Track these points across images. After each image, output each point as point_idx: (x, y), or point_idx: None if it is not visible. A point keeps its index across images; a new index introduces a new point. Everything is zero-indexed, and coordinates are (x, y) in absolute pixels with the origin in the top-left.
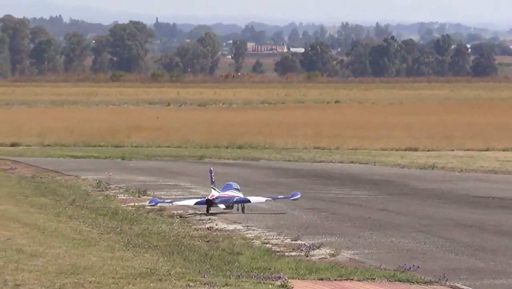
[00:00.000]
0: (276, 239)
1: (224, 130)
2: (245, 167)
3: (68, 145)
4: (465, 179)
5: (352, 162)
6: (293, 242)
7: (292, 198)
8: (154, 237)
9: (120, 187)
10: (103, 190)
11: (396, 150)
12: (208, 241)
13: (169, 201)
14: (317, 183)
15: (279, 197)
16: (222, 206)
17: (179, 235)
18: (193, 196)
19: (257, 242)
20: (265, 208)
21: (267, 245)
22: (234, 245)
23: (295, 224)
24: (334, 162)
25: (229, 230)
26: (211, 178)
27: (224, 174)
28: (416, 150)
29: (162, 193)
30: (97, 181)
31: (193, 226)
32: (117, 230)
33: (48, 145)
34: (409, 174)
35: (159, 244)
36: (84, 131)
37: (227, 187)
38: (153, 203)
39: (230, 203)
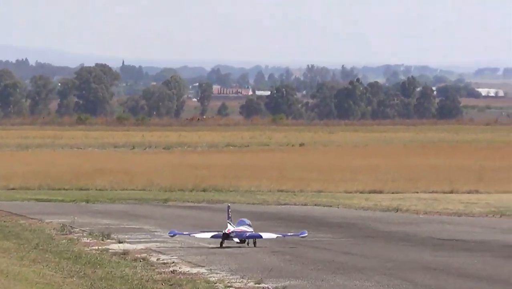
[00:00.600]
0: (240, 282)
1: (189, 173)
2: (210, 210)
3: (33, 188)
4: (429, 221)
5: (316, 205)
6: (257, 285)
7: (300, 236)
8: (118, 281)
9: (84, 230)
10: (67, 234)
11: (361, 192)
12: (171, 285)
13: (187, 233)
14: (281, 225)
15: (289, 234)
16: (236, 239)
17: (142, 279)
18: (208, 230)
19: (220, 286)
20: (229, 252)
21: (231, 288)
22: (198, 288)
23: (259, 267)
24: (298, 205)
25: (192, 273)
26: (228, 213)
27: (189, 217)
28: (380, 192)
29: (126, 236)
30: (61, 225)
31: (156, 270)
32: (81, 273)
33: (13, 188)
34: (373, 216)
35: (122, 287)
36: (49, 174)
37: (241, 223)
38: (172, 234)
39: (243, 238)
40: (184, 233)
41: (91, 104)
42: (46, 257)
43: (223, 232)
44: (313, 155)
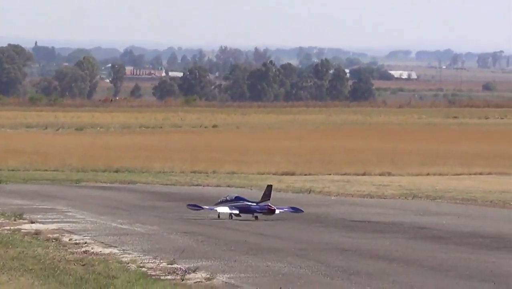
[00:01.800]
0: (152, 262)
1: (101, 154)
2: (122, 190)
3: None
4: (342, 203)
5: (229, 186)
6: (169, 265)
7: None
8: (30, 261)
9: None
10: None
11: (274, 174)
12: (83, 265)
13: (208, 207)
14: None
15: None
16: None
17: (54, 259)
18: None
19: (133, 266)
20: (141, 232)
21: (143, 268)
22: (110, 268)
23: (171, 248)
24: (211, 186)
25: (105, 254)
26: (271, 192)
27: (101, 197)
28: (293, 174)
29: (38, 216)
30: None
31: (68, 250)
32: None
33: None
34: (286, 198)
35: (35, 267)
36: None
37: (242, 198)
38: (195, 208)
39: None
40: (205, 207)
41: (3, 85)
42: None
43: (268, 206)
44: (226, 137)
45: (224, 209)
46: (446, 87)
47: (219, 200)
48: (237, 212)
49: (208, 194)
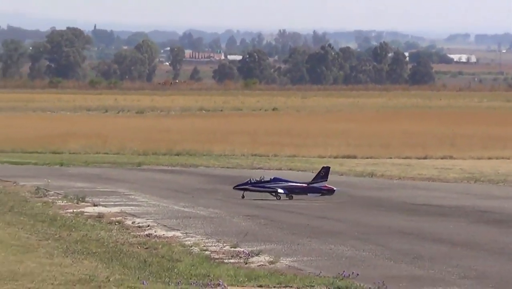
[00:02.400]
0: (215, 246)
1: (162, 137)
2: (184, 173)
3: (6, 151)
4: (403, 186)
5: (290, 169)
6: (232, 249)
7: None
8: (93, 244)
9: (58, 193)
10: (41, 196)
11: (335, 158)
12: (147, 248)
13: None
14: None
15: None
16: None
17: (118, 242)
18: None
19: (196, 249)
20: (204, 215)
21: (206, 252)
22: (173, 252)
23: (234, 231)
24: (272, 169)
25: (168, 237)
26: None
27: (163, 181)
28: (354, 157)
29: (101, 199)
30: (36, 187)
31: (132, 233)
32: (56, 236)
33: None
34: (347, 182)
35: (98, 250)
36: (21, 137)
37: (282, 180)
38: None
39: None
40: (251, 187)
41: (63, 68)
42: (21, 219)
43: (334, 188)
44: (286, 120)
45: (281, 190)
46: (506, 71)
47: (253, 180)
48: (285, 192)
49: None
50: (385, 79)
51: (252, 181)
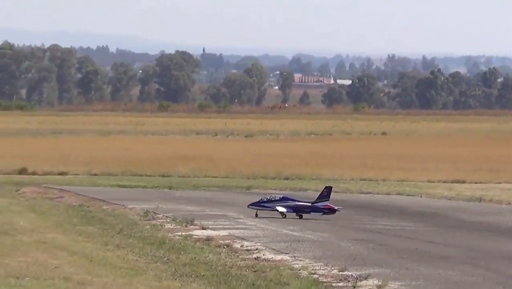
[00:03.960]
0: (323, 269)
1: (271, 161)
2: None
3: (116, 174)
4: None
5: (399, 194)
6: (340, 272)
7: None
8: (201, 267)
9: (167, 216)
10: (150, 219)
11: (443, 182)
12: (255, 271)
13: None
14: (364, 214)
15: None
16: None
17: (226, 265)
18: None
19: (304, 273)
20: (312, 239)
21: (314, 275)
22: (281, 275)
23: (342, 255)
24: (381, 194)
25: (276, 260)
26: (330, 193)
27: None
28: (463, 182)
29: (209, 222)
30: (144, 210)
31: (240, 256)
32: (164, 259)
33: (95, 174)
34: (456, 206)
35: (206, 273)
36: (131, 160)
37: (290, 199)
38: (256, 207)
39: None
40: (265, 205)
41: (172, 92)
42: (130, 242)
43: (328, 205)
44: (395, 144)
45: (281, 209)
46: None
47: (261, 199)
48: (291, 211)
49: (378, 202)
50: (494, 104)
51: (264, 200)
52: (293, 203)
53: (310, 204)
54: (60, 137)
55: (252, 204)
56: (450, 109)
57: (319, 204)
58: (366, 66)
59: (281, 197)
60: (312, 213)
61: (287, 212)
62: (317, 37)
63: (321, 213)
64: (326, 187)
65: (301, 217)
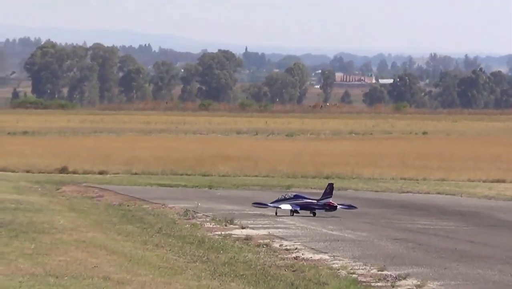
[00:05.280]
0: (362, 269)
1: (311, 160)
2: (333, 196)
3: (156, 173)
4: None
5: (438, 193)
6: (379, 272)
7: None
8: (240, 266)
9: (207, 216)
10: (190, 218)
11: (484, 181)
12: (294, 271)
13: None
14: (404, 213)
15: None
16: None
17: (265, 264)
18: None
19: (343, 272)
20: (352, 238)
21: (353, 275)
22: (320, 275)
23: (381, 254)
24: (420, 193)
25: (315, 260)
26: (332, 190)
27: None
28: (503, 181)
29: (249, 222)
30: (184, 210)
31: (279, 255)
32: (204, 258)
33: (135, 173)
34: (496, 206)
35: (245, 273)
36: (171, 159)
37: (301, 197)
38: (260, 206)
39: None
40: (269, 204)
41: (214, 91)
42: (169, 241)
43: (329, 202)
44: (436, 144)
45: (286, 206)
46: None
47: (278, 198)
48: (298, 208)
49: (418, 201)
50: None
51: (279, 199)
52: (301, 201)
53: (316, 201)
54: (101, 136)
55: (255, 203)
56: (491, 109)
57: (322, 201)
58: (408, 65)
59: (293, 195)
60: (317, 210)
61: (293, 209)
62: (359, 36)
63: (324, 210)
64: (329, 184)
65: (314, 214)
